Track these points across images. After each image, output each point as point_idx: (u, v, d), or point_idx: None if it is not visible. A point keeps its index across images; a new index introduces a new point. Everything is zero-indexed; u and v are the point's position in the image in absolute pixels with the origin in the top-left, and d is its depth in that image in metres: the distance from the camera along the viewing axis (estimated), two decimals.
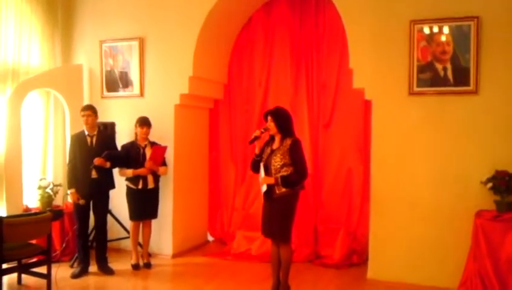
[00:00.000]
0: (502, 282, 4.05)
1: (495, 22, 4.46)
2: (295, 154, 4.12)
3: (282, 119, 4.22)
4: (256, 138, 4.25)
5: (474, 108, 4.55)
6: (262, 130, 4.24)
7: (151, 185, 5.29)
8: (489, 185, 4.31)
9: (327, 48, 5.89)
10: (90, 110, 5.12)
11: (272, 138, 4.29)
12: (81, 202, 4.99)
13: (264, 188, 4.12)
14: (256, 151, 4.30)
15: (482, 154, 4.52)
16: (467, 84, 4.54)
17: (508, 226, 4.09)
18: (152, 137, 5.40)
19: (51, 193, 5.54)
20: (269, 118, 4.23)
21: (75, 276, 4.98)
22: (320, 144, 5.96)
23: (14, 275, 4.71)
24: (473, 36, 4.48)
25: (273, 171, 4.12)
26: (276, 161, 4.11)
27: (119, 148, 5.36)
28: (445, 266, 4.61)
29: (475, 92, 4.53)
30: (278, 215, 4.13)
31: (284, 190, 4.09)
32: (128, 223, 5.49)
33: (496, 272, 4.08)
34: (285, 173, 4.08)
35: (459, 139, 4.62)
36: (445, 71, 4.63)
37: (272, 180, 4.10)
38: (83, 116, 5.06)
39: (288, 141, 4.16)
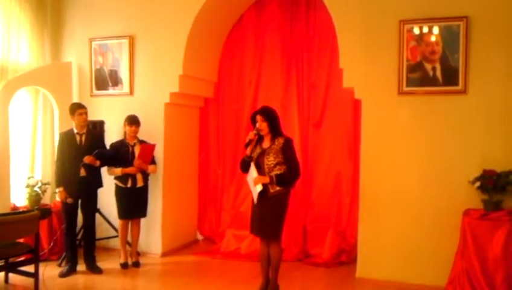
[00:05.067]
0: (489, 280, 4.08)
1: (484, 22, 4.49)
2: (288, 152, 4.13)
3: (273, 119, 4.22)
4: (251, 141, 4.24)
5: (463, 108, 4.59)
6: (255, 132, 4.22)
7: (140, 183, 5.27)
8: (477, 184, 4.35)
9: (317, 48, 5.89)
10: (86, 108, 5.11)
11: (260, 137, 4.27)
12: (69, 200, 4.94)
13: (259, 187, 4.09)
14: (248, 152, 4.28)
15: (470, 154, 4.55)
16: (456, 84, 4.58)
17: (495, 225, 4.12)
18: (142, 136, 5.38)
19: (39, 192, 5.49)
20: (259, 117, 4.20)
21: (63, 275, 4.95)
22: (310, 144, 5.96)
23: (1, 274, 4.67)
24: (462, 36, 4.52)
25: (266, 170, 4.11)
26: (269, 160, 4.11)
27: (107, 146, 5.33)
28: (433, 265, 4.63)
29: (464, 91, 4.56)
30: (271, 214, 4.13)
31: (277, 188, 4.09)
32: (117, 222, 5.46)
33: (483, 270, 4.11)
34: (278, 172, 4.09)
35: (447, 138, 4.65)
36: (435, 71, 4.66)
37: (266, 180, 4.08)
38: (81, 114, 5.01)
39: (280, 140, 4.16)
